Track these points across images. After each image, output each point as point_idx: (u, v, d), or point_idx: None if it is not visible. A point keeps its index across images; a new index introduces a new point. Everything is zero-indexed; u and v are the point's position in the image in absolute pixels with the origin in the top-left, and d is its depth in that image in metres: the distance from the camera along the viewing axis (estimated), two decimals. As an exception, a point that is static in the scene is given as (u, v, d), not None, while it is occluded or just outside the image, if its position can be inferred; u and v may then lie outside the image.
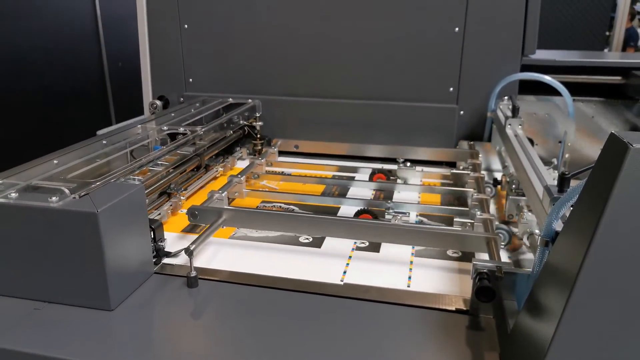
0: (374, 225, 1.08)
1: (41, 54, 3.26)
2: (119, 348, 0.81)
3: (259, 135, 1.78)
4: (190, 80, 1.91)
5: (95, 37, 3.75)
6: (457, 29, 1.66)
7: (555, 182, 0.92)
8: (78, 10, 3.57)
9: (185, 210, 1.19)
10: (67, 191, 0.91)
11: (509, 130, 1.39)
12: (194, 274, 0.96)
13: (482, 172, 1.44)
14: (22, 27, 3.11)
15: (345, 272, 1.03)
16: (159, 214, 1.23)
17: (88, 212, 0.84)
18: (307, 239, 1.17)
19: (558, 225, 0.75)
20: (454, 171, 1.47)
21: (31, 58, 3.20)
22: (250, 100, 1.80)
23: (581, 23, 4.27)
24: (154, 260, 1.03)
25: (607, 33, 4.94)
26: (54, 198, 0.88)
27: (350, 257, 1.09)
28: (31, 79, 3.22)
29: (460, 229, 1.14)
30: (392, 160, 1.63)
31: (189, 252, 0.96)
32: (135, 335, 0.84)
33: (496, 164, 1.60)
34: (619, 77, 1.72)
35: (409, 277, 1.01)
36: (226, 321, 0.88)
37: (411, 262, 1.06)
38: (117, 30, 3.85)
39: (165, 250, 1.08)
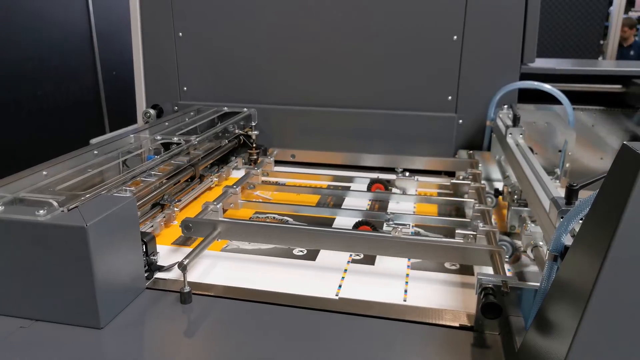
0: (373, 237, 1.05)
1: (35, 64, 3.24)
2: (109, 369, 0.77)
3: (254, 145, 1.75)
4: (185, 88, 1.88)
5: (89, 46, 3.73)
6: (455, 37, 1.64)
7: (561, 193, 0.89)
8: (72, 20, 3.55)
9: (179, 222, 1.15)
10: (55, 204, 0.88)
11: (510, 140, 1.37)
12: (187, 289, 0.92)
13: (482, 182, 1.41)
14: (16, 37, 3.08)
15: (340, 286, 0.99)
16: (152, 226, 1.19)
17: (76, 227, 0.80)
18: (301, 251, 1.14)
19: (567, 239, 0.73)
20: (454, 181, 1.44)
21: (25, 68, 3.17)
22: (245, 109, 1.77)
23: (575, 32, 4.29)
24: (146, 274, 0.99)
25: (602, 42, 4.96)
26: (41, 211, 0.84)
27: (345, 270, 1.06)
28: (25, 89, 3.19)
29: (462, 241, 1.11)
30: (391, 170, 1.60)
31: (182, 266, 0.92)
32: (125, 355, 0.80)
33: (496, 174, 1.58)
34: (619, 86, 1.71)
35: (405, 291, 0.98)
36: (220, 339, 0.85)
37: (407, 275, 1.04)
38: (111, 39, 3.83)
39: (158, 264, 1.04)
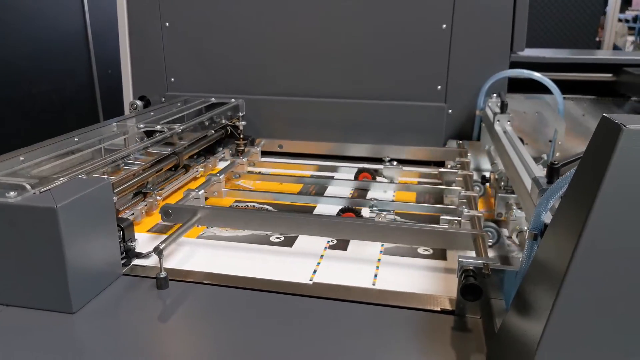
0: (355, 223, 1.03)
1: (30, 62, 3.22)
2: (79, 353, 0.75)
3: (242, 136, 1.73)
4: (172, 79, 1.86)
5: (84, 45, 3.71)
6: (444, 25, 1.62)
7: (544, 174, 0.87)
8: (67, 18, 3.53)
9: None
10: (28, 187, 0.86)
11: (497, 127, 1.35)
12: (163, 274, 0.90)
13: (471, 170, 1.40)
14: (10, 35, 3.06)
15: (315, 272, 0.97)
16: (132, 213, 1.17)
17: (46, 208, 0.78)
18: (278, 237, 1.12)
19: (547, 218, 0.71)
20: (442, 170, 1.43)
21: (20, 66, 3.15)
22: (233, 100, 1.75)
23: (571, 29, 4.27)
24: (123, 261, 0.98)
25: (597, 39, 4.94)
26: (12, 193, 0.82)
27: (322, 256, 1.04)
28: (19, 87, 3.17)
29: (446, 226, 1.09)
30: (380, 160, 1.58)
31: (158, 251, 0.90)
32: (97, 340, 0.78)
33: (486, 164, 1.56)
34: (609, 75, 1.69)
35: (375, 275, 0.96)
36: (195, 324, 0.83)
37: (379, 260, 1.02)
38: (106, 38, 3.81)
39: (136, 251, 1.02)
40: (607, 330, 0.56)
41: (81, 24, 3.64)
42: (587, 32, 4.29)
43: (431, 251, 1.05)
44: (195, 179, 1.50)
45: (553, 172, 0.77)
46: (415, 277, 0.96)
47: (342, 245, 1.09)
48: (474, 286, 0.77)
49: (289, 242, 1.10)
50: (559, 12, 4.20)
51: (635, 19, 6.30)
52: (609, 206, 0.54)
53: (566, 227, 0.60)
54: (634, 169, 0.54)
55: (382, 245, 1.07)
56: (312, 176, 1.50)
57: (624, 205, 0.54)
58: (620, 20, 6.09)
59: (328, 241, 1.10)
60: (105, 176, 1.05)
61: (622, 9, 6.24)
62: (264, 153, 1.72)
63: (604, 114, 0.59)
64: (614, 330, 0.56)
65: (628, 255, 0.54)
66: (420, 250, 1.06)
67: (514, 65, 1.63)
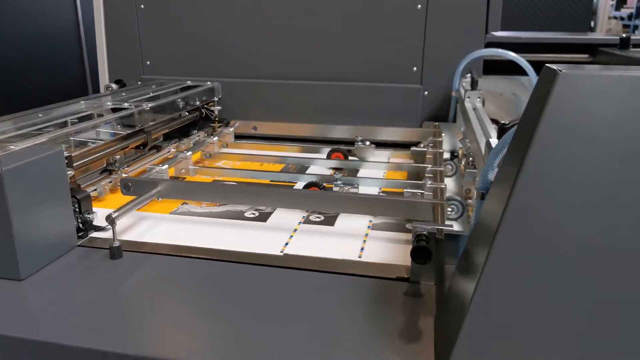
0: (316, 194, 1.02)
1: (22, 57, 3.21)
2: (24, 318, 0.74)
3: (217, 118, 1.71)
4: (148, 63, 1.84)
5: (76, 39, 3.70)
6: (419, 5, 1.61)
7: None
8: (59, 13, 3.52)
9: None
10: (-23, 154, 0.85)
11: (467, 104, 1.34)
12: (117, 244, 0.89)
13: (443, 149, 1.39)
14: (4, 32, 3.05)
15: (287, 244, 0.96)
16: (95, 189, 1.16)
17: (-9, 172, 0.77)
18: (252, 213, 1.10)
19: (494, 176, 0.70)
20: (414, 149, 1.42)
21: (12, 61, 3.14)
22: (209, 83, 1.74)
23: (562, 23, 4.25)
24: (80, 233, 0.96)
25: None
26: (-41, 159, 0.81)
27: (295, 229, 1.03)
28: (12, 83, 3.16)
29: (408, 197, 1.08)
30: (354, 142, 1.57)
31: (110, 219, 0.89)
32: (44, 306, 0.77)
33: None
34: (586, 55, 1.68)
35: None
36: (146, 293, 0.81)
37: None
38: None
39: (95, 224, 1.01)
40: (538, 288, 0.54)
41: (73, 20, 3.63)
42: (580, 29, 4.27)
43: (322, 217, 1.06)
44: (166, 159, 1.48)
45: (504, 132, 0.76)
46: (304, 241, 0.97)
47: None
48: (424, 249, 0.76)
49: (263, 217, 1.09)
50: (550, 7, 4.18)
51: (630, 17, 6.29)
52: (542, 155, 0.53)
53: (503, 181, 0.59)
54: (570, 114, 0.53)
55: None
56: (290, 157, 1.48)
57: (557, 153, 0.53)
58: (615, 17, 6.08)
59: (304, 216, 1.09)
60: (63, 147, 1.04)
61: (618, 7, 6.23)
62: (239, 136, 1.71)
63: (546, 64, 0.58)
64: (545, 288, 0.54)
65: (562, 206, 0.53)
66: (312, 217, 1.07)
67: (489, 45, 1.62)
